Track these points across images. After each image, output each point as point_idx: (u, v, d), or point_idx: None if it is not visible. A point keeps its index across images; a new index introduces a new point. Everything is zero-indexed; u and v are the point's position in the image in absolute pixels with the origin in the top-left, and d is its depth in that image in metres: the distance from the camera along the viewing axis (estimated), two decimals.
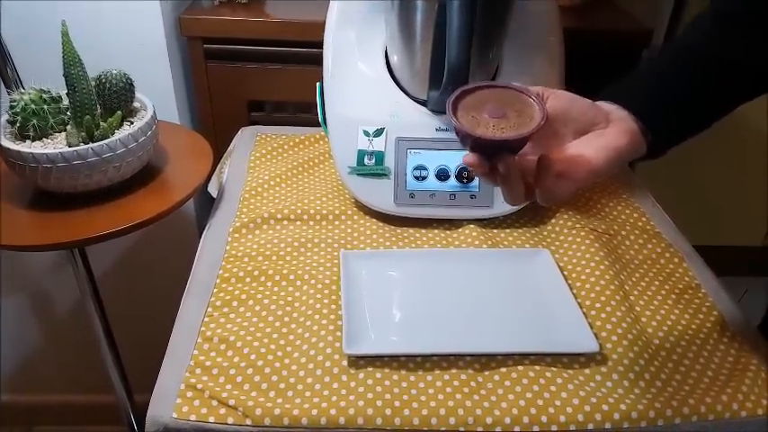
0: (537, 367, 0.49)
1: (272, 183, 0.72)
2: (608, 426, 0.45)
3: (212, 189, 0.78)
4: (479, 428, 0.45)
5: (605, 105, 0.44)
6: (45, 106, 0.62)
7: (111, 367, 0.85)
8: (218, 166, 0.80)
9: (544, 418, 0.45)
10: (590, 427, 0.45)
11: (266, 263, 0.59)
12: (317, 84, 0.69)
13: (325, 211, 0.67)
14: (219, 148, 0.82)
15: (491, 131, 0.40)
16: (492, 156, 0.40)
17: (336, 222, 0.66)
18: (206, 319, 0.53)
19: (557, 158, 0.41)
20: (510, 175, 0.41)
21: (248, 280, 0.57)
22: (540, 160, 0.41)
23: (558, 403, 0.46)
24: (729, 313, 0.55)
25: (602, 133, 0.43)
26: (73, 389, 1.17)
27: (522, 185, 0.42)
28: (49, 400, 1.18)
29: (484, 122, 0.41)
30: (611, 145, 0.42)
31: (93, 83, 0.64)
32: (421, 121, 0.65)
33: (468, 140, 0.40)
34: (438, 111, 0.65)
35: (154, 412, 0.45)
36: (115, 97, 0.65)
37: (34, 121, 0.61)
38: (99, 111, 0.64)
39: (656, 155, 0.45)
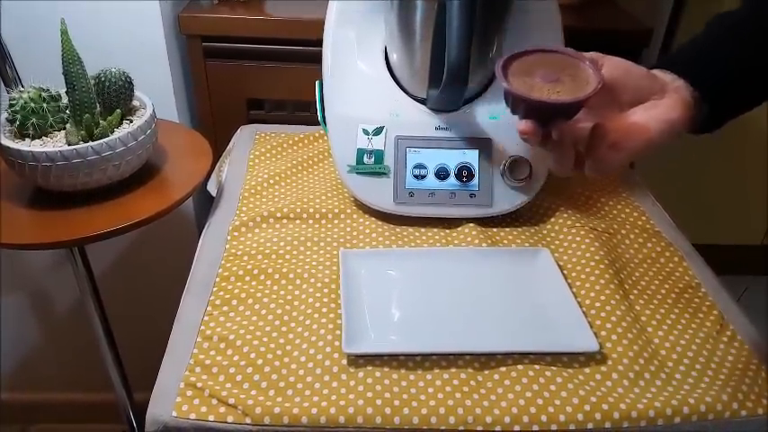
0: (536, 366, 0.49)
1: (271, 181, 0.72)
2: (608, 425, 0.45)
3: (211, 188, 0.78)
4: (479, 427, 0.45)
5: (661, 75, 0.43)
6: (44, 105, 0.62)
7: (111, 366, 0.85)
8: (218, 164, 0.80)
9: (544, 418, 0.45)
10: (589, 426, 0.45)
11: (266, 261, 0.59)
12: (317, 82, 0.69)
13: (324, 210, 0.67)
14: (219, 147, 0.82)
15: (546, 95, 0.38)
16: (547, 121, 0.38)
17: (336, 221, 0.66)
18: (206, 318, 0.53)
19: (611, 128, 0.40)
20: (563, 142, 0.39)
21: (248, 279, 0.57)
22: (595, 129, 0.40)
23: (557, 402, 0.46)
24: (729, 312, 0.55)
25: (656, 104, 0.41)
26: (72, 387, 1.17)
27: (573, 154, 0.41)
28: (48, 398, 1.19)
29: (537, 87, 0.39)
30: (665, 117, 0.41)
31: (92, 81, 0.64)
32: (420, 120, 0.65)
33: (522, 105, 0.38)
34: (437, 109, 0.65)
35: (154, 411, 0.45)
36: (114, 96, 0.65)
37: (34, 119, 0.61)
38: (98, 109, 0.64)
39: (708, 129, 0.44)
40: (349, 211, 0.67)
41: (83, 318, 0.83)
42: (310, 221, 0.65)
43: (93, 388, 1.14)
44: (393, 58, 0.66)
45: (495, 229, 0.65)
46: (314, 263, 0.59)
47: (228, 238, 0.63)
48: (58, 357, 1.14)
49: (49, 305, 1.08)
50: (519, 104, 0.39)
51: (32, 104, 0.61)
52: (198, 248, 0.63)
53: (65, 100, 0.64)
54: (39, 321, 1.10)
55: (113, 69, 0.65)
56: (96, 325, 0.81)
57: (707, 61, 0.43)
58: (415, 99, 0.66)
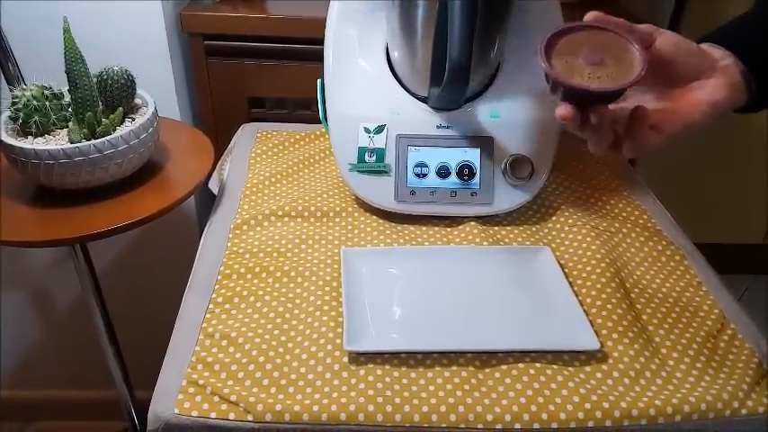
0: (537, 365, 0.49)
1: (272, 180, 0.72)
2: (608, 423, 0.45)
3: (213, 186, 0.78)
4: (480, 425, 0.45)
5: (711, 50, 0.42)
6: (47, 103, 0.62)
7: (113, 363, 0.85)
8: (219, 162, 0.80)
9: (545, 416, 0.45)
10: (590, 424, 0.45)
11: (267, 259, 0.59)
12: (318, 81, 0.69)
13: (325, 208, 0.67)
14: (220, 145, 0.82)
15: (587, 80, 0.36)
16: (586, 106, 0.37)
17: (337, 219, 0.66)
18: (207, 316, 0.53)
19: (652, 110, 0.39)
20: (602, 126, 0.38)
21: (249, 276, 0.58)
22: (636, 111, 0.39)
23: (558, 401, 0.46)
24: (730, 311, 0.55)
25: (703, 84, 0.40)
26: (74, 384, 1.17)
27: (611, 136, 0.40)
28: (49, 395, 1.19)
29: (579, 69, 0.37)
30: (709, 99, 0.40)
31: (94, 79, 0.64)
32: (422, 119, 0.65)
33: (561, 89, 0.37)
34: (439, 108, 0.65)
35: (156, 408, 0.46)
36: (117, 94, 0.65)
37: (36, 117, 0.61)
38: (100, 107, 0.65)
39: (756, 108, 0.43)
40: (350, 209, 0.67)
41: (84, 315, 0.83)
42: (311, 219, 0.66)
43: (94, 385, 1.14)
44: (394, 56, 0.66)
45: (496, 228, 0.65)
46: (315, 261, 0.60)
47: (230, 236, 0.63)
48: (60, 354, 1.15)
49: (50, 302, 1.09)
50: (557, 88, 0.37)
51: (35, 102, 0.61)
52: (200, 246, 0.63)
53: (67, 98, 0.64)
54: (40, 319, 1.11)
55: (115, 67, 0.65)
56: (98, 322, 0.81)
57: (757, 37, 0.42)
58: (416, 97, 0.66)
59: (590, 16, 0.40)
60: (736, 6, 0.47)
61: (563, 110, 0.38)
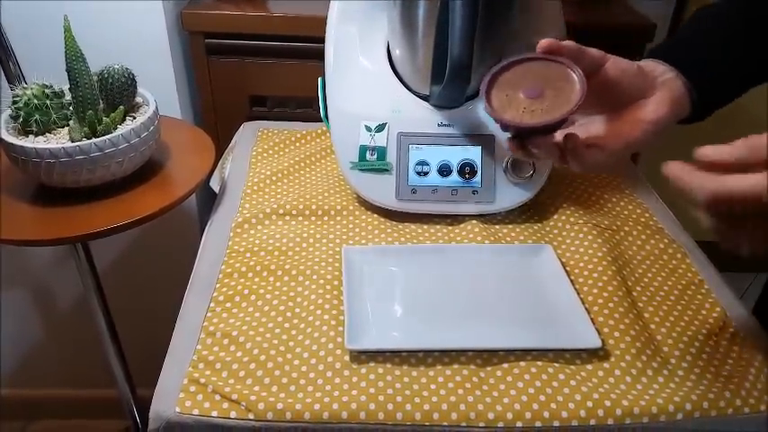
0: (539, 363, 0.49)
1: (273, 178, 0.72)
2: (610, 422, 0.45)
3: (214, 184, 0.78)
4: (481, 424, 0.45)
5: (652, 67, 0.44)
6: (48, 101, 0.62)
7: (114, 361, 0.85)
8: (220, 161, 0.80)
9: (546, 414, 0.45)
10: (592, 422, 0.45)
11: (268, 258, 0.59)
12: (319, 79, 0.69)
13: (326, 207, 0.67)
14: (221, 144, 0.82)
15: (520, 114, 0.38)
16: (523, 138, 0.39)
17: (338, 218, 0.66)
18: (208, 314, 0.53)
19: (596, 132, 0.42)
20: (541, 154, 0.41)
21: (250, 275, 0.58)
22: (567, 139, 0.41)
23: (560, 399, 0.46)
24: (732, 309, 0.55)
25: (645, 104, 0.43)
26: (75, 383, 1.18)
27: (556, 155, 0.42)
28: (51, 394, 1.19)
29: (516, 103, 0.39)
30: (650, 117, 0.42)
31: (95, 78, 0.64)
32: (423, 117, 0.65)
33: (498, 123, 0.40)
34: (440, 106, 0.65)
35: (157, 407, 0.46)
36: (117, 92, 0.65)
37: (37, 116, 0.61)
38: (101, 106, 0.64)
39: (701, 117, 0.45)
40: (351, 207, 0.67)
41: (86, 314, 0.83)
42: (313, 218, 0.65)
43: (95, 384, 1.14)
44: (395, 54, 0.66)
45: (497, 226, 0.65)
46: (316, 259, 0.59)
47: (231, 234, 0.63)
48: (61, 353, 1.15)
49: (51, 301, 1.09)
50: (496, 121, 0.40)
51: (36, 101, 0.61)
52: (201, 245, 0.63)
53: (68, 97, 0.64)
54: (41, 317, 1.11)
55: (116, 66, 0.65)
56: (99, 321, 0.81)
57: (695, 52, 0.45)
58: (417, 96, 0.66)
59: (539, 47, 0.42)
60: None
61: (508, 144, 0.42)
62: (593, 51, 0.42)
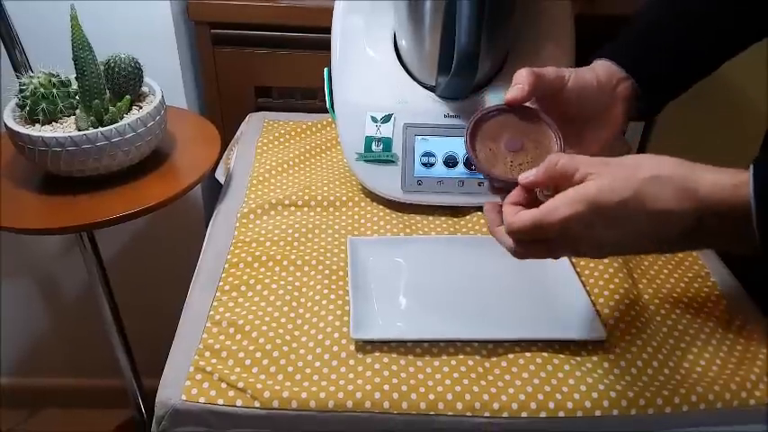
0: (544, 354, 0.49)
1: (279, 169, 0.72)
2: (615, 412, 0.45)
3: (220, 175, 0.78)
4: (486, 413, 0.45)
5: (608, 74, 0.46)
6: (54, 90, 0.62)
7: (119, 351, 0.86)
8: (226, 152, 0.80)
9: (551, 404, 0.45)
10: (597, 413, 0.45)
11: (274, 248, 0.59)
12: (325, 69, 0.69)
13: (332, 198, 0.67)
14: (227, 134, 0.82)
15: (509, 169, 0.41)
16: (510, 189, 0.41)
17: (344, 209, 0.66)
18: (215, 304, 0.54)
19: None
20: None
21: (256, 265, 0.58)
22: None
23: (565, 390, 0.46)
24: (738, 303, 0.55)
25: (605, 122, 0.46)
26: (81, 373, 1.18)
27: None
28: (57, 383, 1.20)
29: (502, 157, 0.41)
30: (610, 134, 0.46)
31: (101, 67, 0.64)
32: (429, 108, 0.64)
33: (486, 177, 0.42)
34: (446, 97, 0.65)
35: (163, 395, 0.46)
36: (123, 81, 0.65)
37: (43, 104, 0.61)
38: (108, 95, 0.64)
39: (648, 115, 0.48)
40: (357, 198, 0.67)
41: (91, 304, 0.83)
42: (318, 209, 0.65)
43: (101, 374, 1.15)
44: (402, 44, 0.66)
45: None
46: (322, 250, 0.60)
47: (237, 225, 0.63)
48: (66, 343, 1.15)
49: (57, 291, 1.09)
50: (485, 176, 0.42)
51: (42, 90, 0.61)
52: (207, 235, 0.63)
53: (74, 86, 0.64)
54: (47, 307, 1.11)
55: (122, 55, 0.65)
56: (105, 310, 0.82)
57: (638, 48, 0.47)
58: (423, 86, 0.65)
59: (506, 101, 0.43)
60: None
61: (492, 191, 0.43)
62: (551, 77, 0.43)
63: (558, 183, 0.37)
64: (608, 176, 0.35)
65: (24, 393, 1.20)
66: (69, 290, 1.09)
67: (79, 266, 0.80)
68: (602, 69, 0.46)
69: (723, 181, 0.34)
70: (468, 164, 0.64)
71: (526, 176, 0.38)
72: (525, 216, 0.37)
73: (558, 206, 0.35)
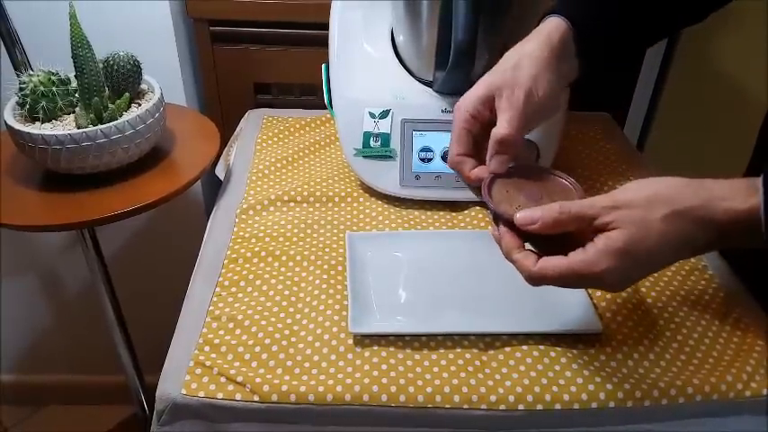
0: (541, 347, 0.49)
1: (278, 165, 0.72)
2: (611, 405, 0.45)
3: (220, 172, 0.78)
4: (483, 406, 0.45)
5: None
6: (54, 88, 0.62)
7: (122, 348, 0.86)
8: (226, 149, 0.80)
9: (548, 397, 0.45)
10: (593, 405, 0.45)
11: (273, 244, 0.60)
12: (323, 65, 0.69)
13: (331, 193, 0.67)
14: (226, 131, 0.82)
15: (514, 209, 0.41)
16: (512, 228, 0.41)
17: (342, 204, 0.66)
18: (214, 299, 0.54)
19: None
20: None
21: (256, 260, 0.58)
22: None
23: (561, 382, 0.46)
24: (735, 294, 0.55)
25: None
26: (83, 369, 1.19)
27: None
28: (59, 380, 1.20)
29: (514, 200, 0.42)
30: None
31: (100, 65, 0.64)
32: (427, 103, 0.65)
33: (492, 212, 0.42)
34: (444, 92, 0.65)
35: (163, 389, 0.46)
36: (123, 79, 0.65)
37: (43, 102, 0.62)
38: (107, 93, 0.65)
39: (589, 69, 0.48)
40: (355, 194, 0.67)
41: (93, 300, 0.84)
42: (317, 205, 0.66)
43: (103, 370, 1.15)
44: (399, 40, 0.66)
45: None
46: (320, 245, 0.60)
47: (236, 220, 0.63)
48: (69, 340, 1.16)
49: (59, 288, 1.10)
50: (492, 211, 0.42)
51: (42, 88, 0.62)
52: (206, 231, 0.64)
53: (74, 84, 0.65)
54: (49, 304, 1.12)
55: (121, 53, 0.65)
56: (107, 307, 0.82)
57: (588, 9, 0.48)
58: (421, 82, 0.65)
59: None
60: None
61: (494, 226, 0.44)
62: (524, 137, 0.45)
63: (572, 227, 0.39)
64: (629, 225, 0.37)
65: (26, 390, 1.20)
66: (71, 287, 1.09)
67: (81, 264, 0.81)
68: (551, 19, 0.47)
69: (737, 207, 0.36)
70: None
71: (550, 214, 0.39)
72: (561, 264, 0.38)
73: (595, 260, 0.37)
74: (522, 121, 0.44)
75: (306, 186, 0.67)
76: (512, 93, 0.44)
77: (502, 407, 0.45)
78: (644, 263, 0.38)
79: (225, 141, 0.79)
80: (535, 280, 0.40)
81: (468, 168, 0.46)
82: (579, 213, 0.38)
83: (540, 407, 0.45)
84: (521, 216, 0.39)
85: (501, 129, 0.43)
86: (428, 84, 0.65)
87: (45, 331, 1.15)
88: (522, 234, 0.40)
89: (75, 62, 0.62)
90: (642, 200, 0.37)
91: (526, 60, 0.44)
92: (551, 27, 0.46)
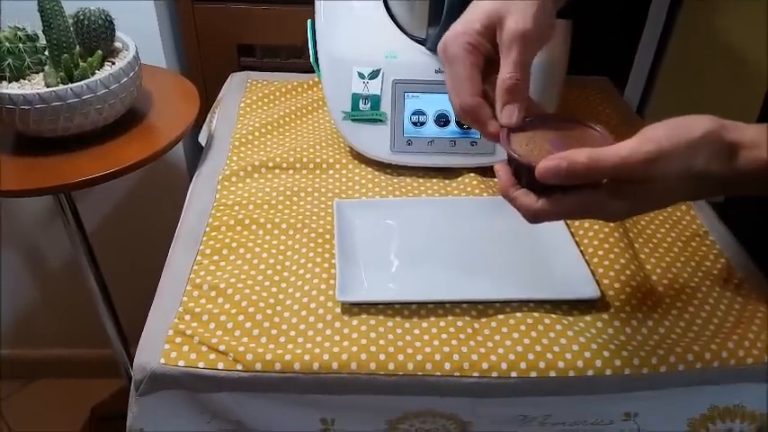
0: (536, 314, 0.47)
1: (263, 130, 0.69)
2: (608, 372, 0.44)
3: (203, 140, 0.75)
4: (475, 373, 0.43)
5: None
6: (20, 45, 0.59)
7: (107, 320, 0.84)
8: (209, 114, 0.77)
9: (542, 364, 0.44)
10: (590, 373, 0.44)
11: (257, 211, 0.57)
12: (309, 21, 0.65)
13: (318, 160, 0.64)
14: (209, 96, 0.79)
15: (534, 155, 0.37)
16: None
17: (330, 171, 0.63)
18: (195, 267, 0.52)
19: None
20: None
21: (239, 228, 0.55)
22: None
23: (556, 349, 0.44)
24: (737, 261, 0.53)
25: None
26: (72, 343, 1.18)
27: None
28: (48, 354, 1.19)
29: (536, 146, 0.38)
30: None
31: (70, 20, 0.60)
32: (419, 62, 0.61)
33: (510, 158, 0.38)
34: (437, 51, 0.61)
35: (141, 359, 0.44)
36: (94, 36, 0.61)
37: (9, 60, 0.58)
38: (78, 50, 0.61)
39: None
40: (344, 161, 0.64)
41: (78, 273, 0.82)
42: (304, 171, 0.63)
43: (93, 343, 1.14)
44: None
45: (496, 179, 0.62)
46: (307, 213, 0.57)
47: (219, 187, 0.60)
48: (56, 313, 1.14)
49: (43, 262, 1.08)
50: (523, 171, 0.37)
51: (8, 44, 0.58)
52: (187, 197, 0.61)
53: (42, 41, 0.61)
54: (35, 278, 1.10)
55: (92, 8, 0.61)
56: (90, 280, 0.80)
57: None
58: (413, 39, 0.62)
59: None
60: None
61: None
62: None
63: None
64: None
65: (18, 364, 1.19)
66: (55, 260, 1.07)
67: (64, 237, 0.78)
68: None
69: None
70: (460, 123, 0.61)
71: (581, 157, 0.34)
72: (608, 155, 0.34)
73: (635, 146, 0.34)
74: (529, 58, 0.38)
75: (292, 152, 0.65)
76: (514, 23, 0.38)
77: (494, 374, 0.43)
78: (678, 163, 0.35)
79: (207, 107, 0.76)
80: (539, 215, 0.36)
81: (487, 115, 0.39)
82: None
83: (533, 374, 0.44)
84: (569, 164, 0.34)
85: (509, 74, 0.37)
86: (421, 41, 0.62)
87: (33, 305, 1.13)
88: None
89: (42, 16, 0.58)
90: (673, 122, 0.36)
91: None
92: None
